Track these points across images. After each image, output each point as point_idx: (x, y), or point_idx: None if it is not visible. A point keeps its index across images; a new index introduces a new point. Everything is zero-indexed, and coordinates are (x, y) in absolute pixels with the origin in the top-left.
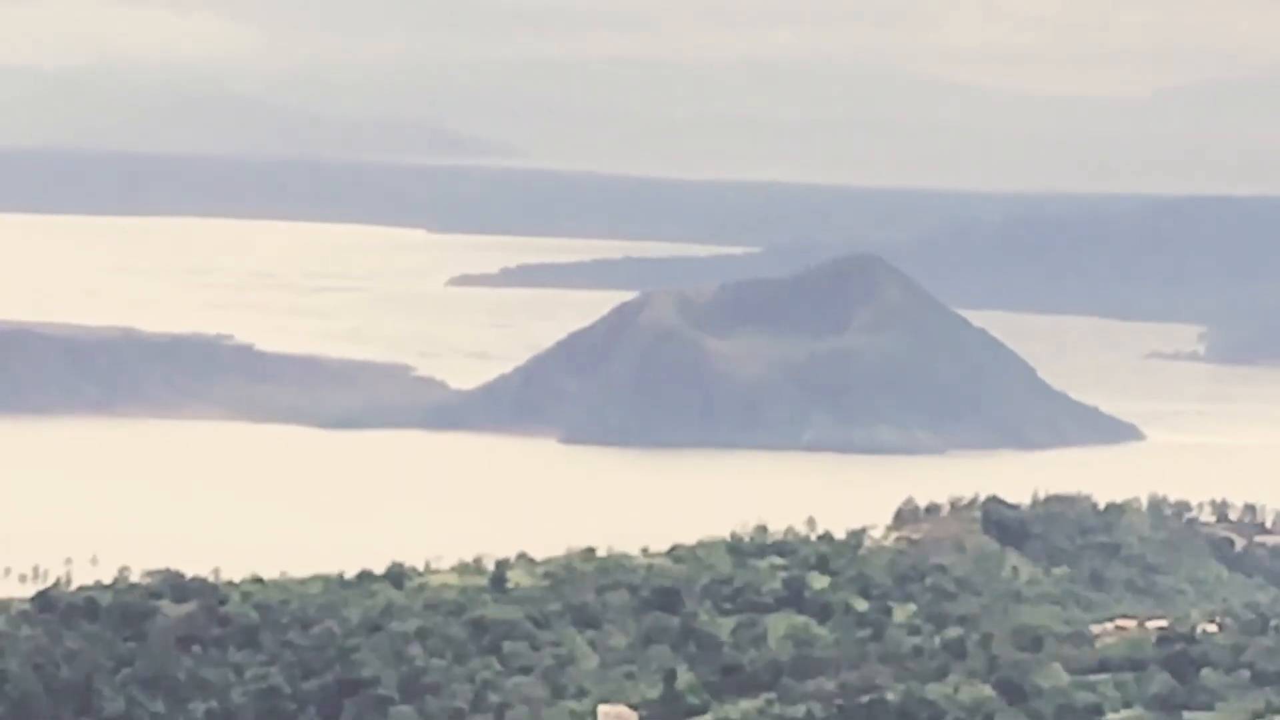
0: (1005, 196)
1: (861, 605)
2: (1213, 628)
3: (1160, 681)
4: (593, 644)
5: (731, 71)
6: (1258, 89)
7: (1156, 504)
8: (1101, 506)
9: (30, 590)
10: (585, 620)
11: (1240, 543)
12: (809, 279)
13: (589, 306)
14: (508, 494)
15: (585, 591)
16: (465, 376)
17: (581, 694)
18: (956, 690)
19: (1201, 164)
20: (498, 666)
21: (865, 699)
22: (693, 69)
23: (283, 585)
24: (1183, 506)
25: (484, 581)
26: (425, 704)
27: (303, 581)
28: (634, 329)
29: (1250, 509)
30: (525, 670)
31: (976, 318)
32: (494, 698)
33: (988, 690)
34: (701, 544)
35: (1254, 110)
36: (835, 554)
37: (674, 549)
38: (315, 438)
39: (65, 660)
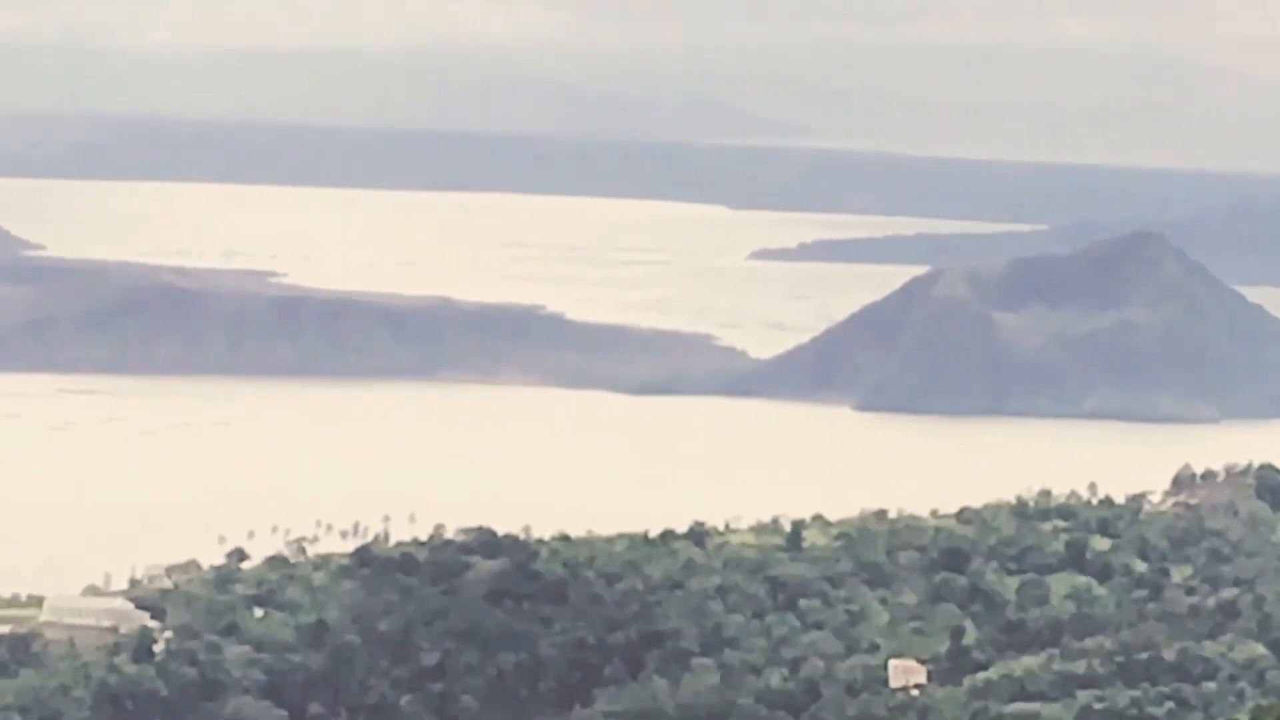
0: None
1: (1140, 567)
2: None
3: None
4: (883, 601)
5: (1022, 57)
6: None
7: None
8: None
9: (350, 546)
10: (877, 579)
11: None
12: (1093, 256)
13: (883, 280)
14: (804, 458)
15: (877, 551)
16: (764, 346)
17: (873, 649)
18: (1230, 648)
19: None
20: (793, 622)
21: (1143, 656)
22: (985, 54)
23: (590, 543)
24: None
25: (781, 541)
26: (723, 657)
27: (609, 540)
28: (926, 302)
29: None
30: (819, 626)
31: (1252, 294)
32: (789, 652)
33: (1260, 648)
34: (988, 507)
35: None
36: (1115, 518)
37: (961, 512)
38: (621, 403)
39: (383, 613)
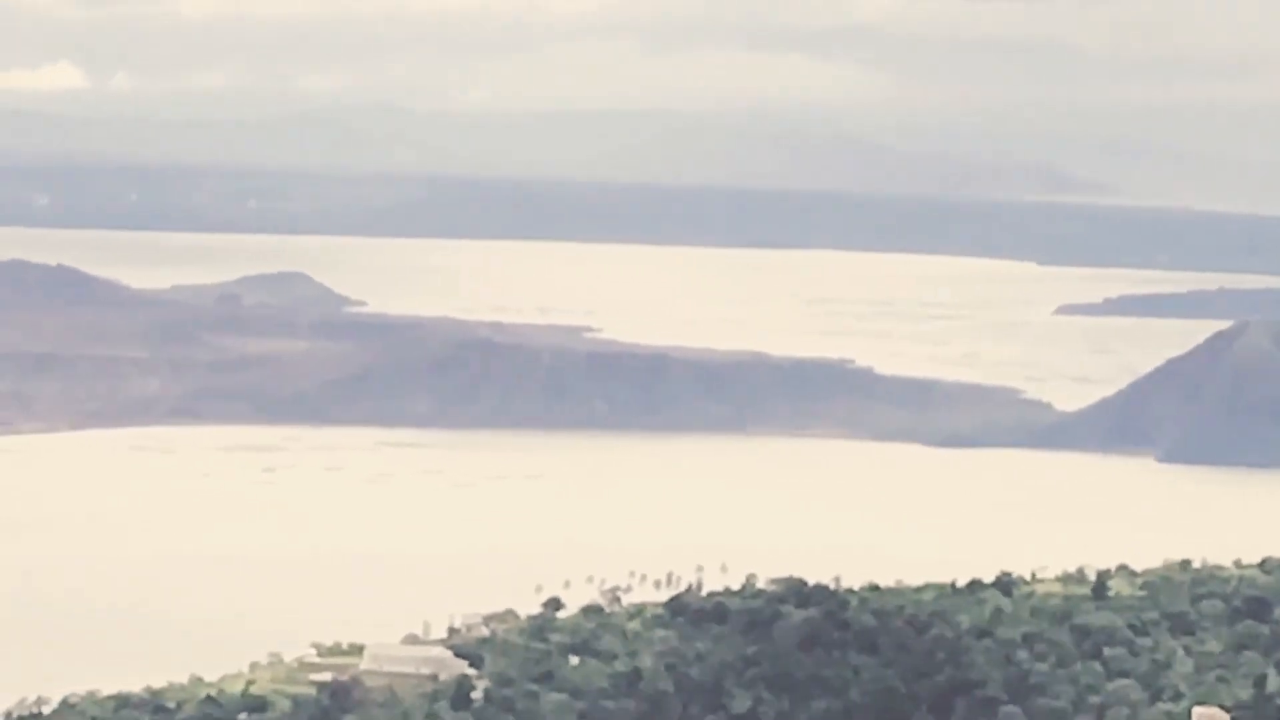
0: None
1: None
2: None
3: None
4: (1187, 650)
5: None
6: None
7: None
8: None
9: (664, 596)
10: (1181, 627)
11: None
12: None
13: (1186, 335)
14: (1109, 509)
15: (1181, 600)
16: (1070, 399)
17: (1177, 696)
18: None
19: None
20: (1099, 670)
21: None
22: None
23: (898, 592)
24: None
25: (1086, 590)
26: (1031, 704)
27: (917, 589)
28: (1229, 356)
29: None
30: (1124, 674)
31: None
32: (1095, 699)
33: None
34: None
35: None
36: None
37: (1264, 561)
38: (929, 455)
39: (696, 660)
